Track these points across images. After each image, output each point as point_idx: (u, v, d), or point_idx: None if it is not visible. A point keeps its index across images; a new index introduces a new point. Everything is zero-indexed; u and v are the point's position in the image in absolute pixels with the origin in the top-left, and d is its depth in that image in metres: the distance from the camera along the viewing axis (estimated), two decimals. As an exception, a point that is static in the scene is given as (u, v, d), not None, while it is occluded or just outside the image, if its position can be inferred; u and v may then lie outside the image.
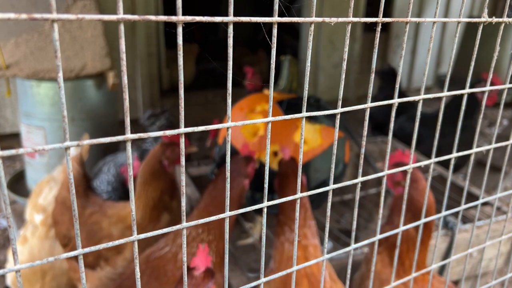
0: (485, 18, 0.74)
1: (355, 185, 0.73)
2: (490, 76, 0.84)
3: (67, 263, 1.71)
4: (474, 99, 2.57)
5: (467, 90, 0.81)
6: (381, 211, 0.77)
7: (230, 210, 0.61)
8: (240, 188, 1.45)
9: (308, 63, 0.56)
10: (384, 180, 0.78)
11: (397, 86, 0.72)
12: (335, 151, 0.65)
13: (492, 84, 2.42)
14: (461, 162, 2.76)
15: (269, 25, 0.55)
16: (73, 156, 1.79)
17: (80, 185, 1.76)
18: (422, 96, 0.74)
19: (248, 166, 1.50)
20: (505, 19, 0.77)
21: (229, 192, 0.60)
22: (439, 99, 0.76)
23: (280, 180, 1.49)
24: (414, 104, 3.09)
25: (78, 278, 1.64)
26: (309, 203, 1.46)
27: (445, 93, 0.78)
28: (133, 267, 1.37)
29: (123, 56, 0.46)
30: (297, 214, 0.68)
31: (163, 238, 1.41)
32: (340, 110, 0.65)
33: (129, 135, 0.49)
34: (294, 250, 0.68)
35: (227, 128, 0.55)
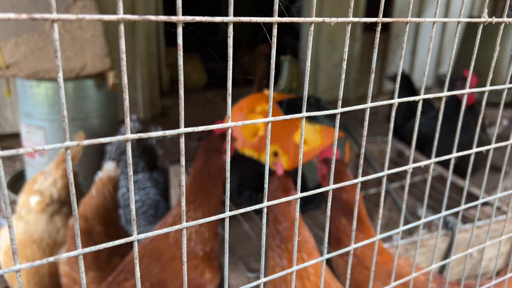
0: (485, 18, 0.74)
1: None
2: (490, 75, 0.84)
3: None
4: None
5: (467, 90, 0.81)
6: (381, 211, 0.77)
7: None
8: (218, 165, 1.47)
9: (308, 63, 0.56)
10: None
11: (397, 86, 0.72)
12: (335, 151, 0.65)
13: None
14: (475, 167, 2.60)
15: (269, 25, 0.55)
16: (111, 177, 1.59)
17: (109, 220, 1.52)
18: (422, 96, 0.74)
19: (223, 143, 1.52)
20: (505, 19, 0.77)
21: (228, 193, 0.60)
22: (440, 99, 0.76)
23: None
24: (433, 105, 3.05)
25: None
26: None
27: (445, 93, 0.78)
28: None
29: (123, 56, 0.46)
30: (297, 214, 0.68)
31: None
32: (340, 110, 0.65)
33: (129, 135, 0.49)
34: (295, 249, 0.68)
35: (227, 128, 0.55)
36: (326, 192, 0.71)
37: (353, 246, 0.76)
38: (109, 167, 1.63)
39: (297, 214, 0.68)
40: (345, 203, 1.47)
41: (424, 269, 0.92)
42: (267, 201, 0.65)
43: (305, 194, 0.67)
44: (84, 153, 2.42)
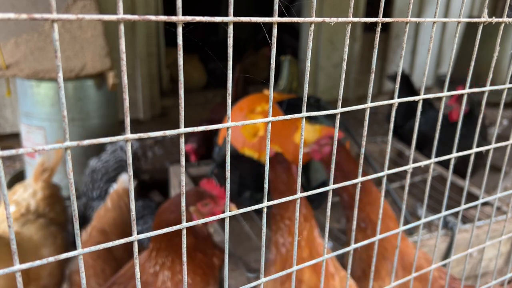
0: (485, 18, 0.74)
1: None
2: (490, 75, 0.84)
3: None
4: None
5: (467, 90, 0.81)
6: (381, 211, 0.77)
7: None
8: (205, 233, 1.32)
9: (308, 63, 0.56)
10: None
11: (397, 86, 0.72)
12: (335, 151, 0.65)
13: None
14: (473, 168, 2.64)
15: (269, 25, 0.55)
16: (126, 188, 1.52)
17: (127, 233, 1.46)
18: (422, 96, 0.74)
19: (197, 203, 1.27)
20: (505, 19, 0.77)
21: (228, 193, 0.60)
22: (440, 99, 0.76)
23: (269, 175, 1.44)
24: (433, 105, 3.04)
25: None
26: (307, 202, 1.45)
27: (445, 93, 0.78)
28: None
29: (123, 56, 0.46)
30: (297, 214, 0.68)
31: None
32: (340, 110, 0.65)
33: (129, 135, 0.49)
34: (294, 250, 0.68)
35: (227, 128, 0.55)
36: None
37: (353, 246, 0.76)
38: (124, 179, 1.56)
39: (297, 214, 0.68)
40: (349, 172, 1.51)
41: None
42: (267, 200, 0.65)
43: (305, 194, 0.67)
44: (84, 153, 2.42)
